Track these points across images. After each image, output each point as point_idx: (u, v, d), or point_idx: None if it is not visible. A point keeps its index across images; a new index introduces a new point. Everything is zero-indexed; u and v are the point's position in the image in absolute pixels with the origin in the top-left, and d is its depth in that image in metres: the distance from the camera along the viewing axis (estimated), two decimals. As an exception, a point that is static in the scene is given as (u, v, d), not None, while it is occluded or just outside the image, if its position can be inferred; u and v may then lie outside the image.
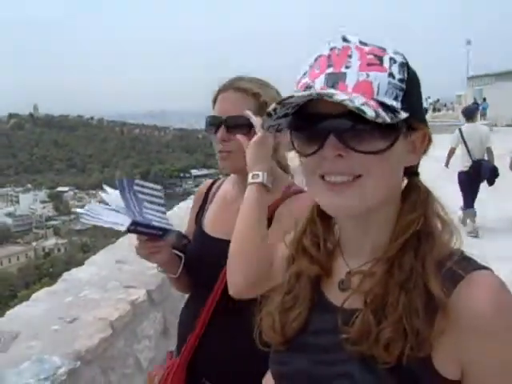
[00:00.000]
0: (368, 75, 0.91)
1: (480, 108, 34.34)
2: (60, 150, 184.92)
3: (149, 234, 1.74)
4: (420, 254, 0.96)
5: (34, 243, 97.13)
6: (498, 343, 0.89)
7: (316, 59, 0.98)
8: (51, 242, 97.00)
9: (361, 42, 0.96)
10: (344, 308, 1.00)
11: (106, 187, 1.82)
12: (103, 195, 1.78)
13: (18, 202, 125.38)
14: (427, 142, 1.01)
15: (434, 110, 45.42)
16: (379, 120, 0.84)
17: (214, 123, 1.81)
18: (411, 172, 1.05)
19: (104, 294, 2.91)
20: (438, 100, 52.55)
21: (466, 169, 8.67)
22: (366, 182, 0.93)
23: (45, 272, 59.67)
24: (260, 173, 1.62)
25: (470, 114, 9.15)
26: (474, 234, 8.33)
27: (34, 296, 2.94)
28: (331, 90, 0.89)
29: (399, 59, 0.95)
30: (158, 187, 1.89)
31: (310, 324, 1.07)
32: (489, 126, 18.80)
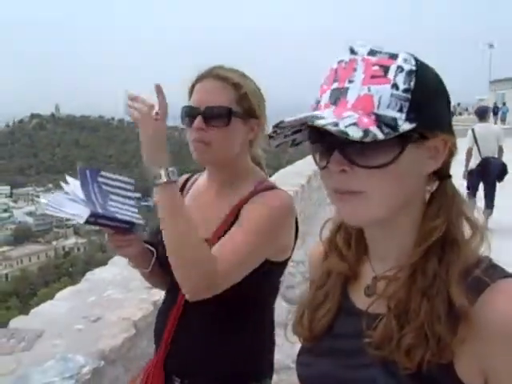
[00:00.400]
0: (369, 89, 0.90)
1: (500, 112, 34.02)
2: (81, 150, 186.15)
3: (113, 227, 1.68)
4: (444, 260, 0.95)
5: (54, 242, 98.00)
6: None
7: (329, 72, 0.98)
8: (71, 241, 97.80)
9: (370, 52, 0.94)
10: (368, 312, 1.01)
11: (68, 178, 1.75)
12: (64, 185, 1.72)
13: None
14: (449, 147, 0.98)
15: (455, 113, 44.93)
16: (367, 139, 0.84)
17: (191, 114, 1.68)
18: (442, 175, 1.02)
19: (127, 293, 2.95)
20: (459, 104, 52.02)
21: (474, 166, 8.66)
22: (371, 195, 0.93)
23: (64, 271, 60.10)
24: (162, 172, 1.50)
25: (482, 113, 9.25)
26: None
27: (58, 295, 2.98)
28: (319, 112, 0.90)
29: (407, 67, 0.92)
30: (128, 180, 1.80)
31: (336, 327, 1.08)
32: (510, 130, 18.50)
